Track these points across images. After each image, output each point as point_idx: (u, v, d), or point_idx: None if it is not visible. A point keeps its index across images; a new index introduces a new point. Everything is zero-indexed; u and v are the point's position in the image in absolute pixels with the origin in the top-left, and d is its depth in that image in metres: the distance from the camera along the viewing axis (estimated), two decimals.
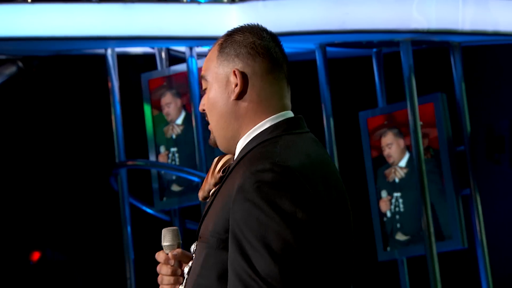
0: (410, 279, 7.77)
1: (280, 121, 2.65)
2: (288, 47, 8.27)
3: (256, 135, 2.63)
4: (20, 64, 9.11)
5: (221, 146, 2.75)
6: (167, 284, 2.84)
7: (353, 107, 8.57)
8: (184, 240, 7.81)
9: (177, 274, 2.85)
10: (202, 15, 8.07)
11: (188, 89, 8.46)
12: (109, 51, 8.45)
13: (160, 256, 2.83)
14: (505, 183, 8.62)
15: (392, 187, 7.91)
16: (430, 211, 7.48)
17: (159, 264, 2.84)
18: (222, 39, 2.70)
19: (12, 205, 9.70)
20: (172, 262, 2.84)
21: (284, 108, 2.67)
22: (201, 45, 8.27)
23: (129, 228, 8.27)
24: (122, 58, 8.79)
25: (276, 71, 2.67)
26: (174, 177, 8.56)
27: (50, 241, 9.50)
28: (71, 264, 9.46)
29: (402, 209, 7.75)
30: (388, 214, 7.88)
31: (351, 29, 7.93)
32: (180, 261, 2.88)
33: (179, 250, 2.87)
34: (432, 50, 8.32)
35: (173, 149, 8.58)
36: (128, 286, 8.31)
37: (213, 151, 8.36)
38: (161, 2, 8.30)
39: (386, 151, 8.29)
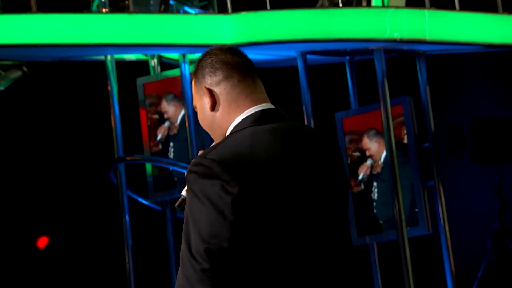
0: (380, 263, 7.91)
1: (244, 118, 2.85)
2: (273, 54, 8.21)
3: (228, 134, 2.87)
4: (25, 69, 9.16)
5: None
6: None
7: (330, 108, 8.54)
8: (177, 228, 7.80)
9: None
10: (195, 25, 7.95)
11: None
12: (108, 57, 8.49)
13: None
14: (465, 176, 8.71)
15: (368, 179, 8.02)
16: (402, 200, 7.60)
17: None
18: (194, 68, 2.99)
19: (23, 196, 9.65)
20: None
21: (253, 103, 2.86)
22: (193, 52, 8.22)
23: (127, 217, 8.30)
24: (118, 64, 8.75)
25: (235, 75, 2.86)
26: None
27: (56, 228, 9.45)
28: (74, 249, 9.37)
29: (377, 198, 7.90)
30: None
31: (331, 38, 7.96)
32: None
33: None
34: (400, 57, 8.41)
35: (171, 144, 8.62)
36: (127, 269, 8.31)
37: (204, 148, 8.57)
38: (157, 13, 8.25)
39: (368, 153, 8.36)
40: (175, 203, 3.05)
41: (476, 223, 9.08)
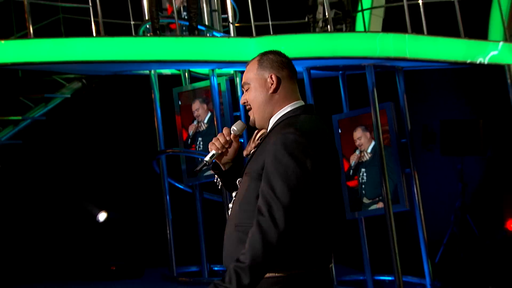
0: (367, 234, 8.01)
1: (297, 107, 3.04)
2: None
3: (282, 115, 3.03)
4: (84, 81, 9.32)
5: (259, 123, 3.10)
6: (215, 143, 3.16)
7: (327, 112, 8.58)
8: (204, 206, 7.73)
9: (225, 143, 3.17)
10: (224, 46, 8.03)
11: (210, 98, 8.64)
12: (152, 72, 8.73)
13: (225, 129, 3.18)
14: (435, 165, 8.65)
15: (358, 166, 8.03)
16: (388, 183, 7.73)
17: (220, 133, 3.19)
18: (259, 57, 3.12)
19: (89, 181, 9.69)
20: (229, 136, 3.16)
21: (298, 99, 3.07)
22: (220, 67, 8.39)
23: (167, 197, 8.67)
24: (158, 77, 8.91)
25: (292, 77, 3.07)
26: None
27: (113, 205, 9.40)
28: (126, 222, 9.37)
29: (365, 181, 7.96)
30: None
31: (333, 56, 7.91)
32: (232, 141, 3.19)
33: (238, 137, 3.20)
34: (383, 72, 8.41)
35: (200, 139, 8.72)
36: (168, 237, 8.64)
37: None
38: (192, 36, 8.31)
39: (357, 142, 8.39)
40: (196, 170, 3.27)
41: (443, 202, 9.16)
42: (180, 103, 8.82)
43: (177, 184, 8.83)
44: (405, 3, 7.85)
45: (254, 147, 3.12)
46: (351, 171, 8.49)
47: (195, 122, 8.80)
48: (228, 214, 3.18)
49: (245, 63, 7.60)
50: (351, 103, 8.69)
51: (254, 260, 2.74)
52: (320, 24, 9.09)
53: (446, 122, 8.74)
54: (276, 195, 2.79)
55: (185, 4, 8.81)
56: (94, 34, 7.91)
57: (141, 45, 7.93)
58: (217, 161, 3.26)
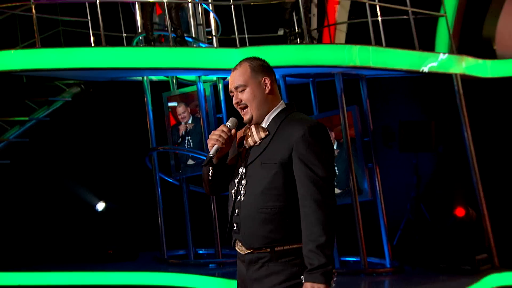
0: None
1: (287, 105, 3.16)
2: None
3: (278, 112, 3.12)
4: (82, 86, 9.37)
5: (256, 120, 3.14)
6: (219, 139, 3.11)
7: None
8: (190, 197, 8.05)
9: (227, 138, 3.12)
10: (211, 56, 7.97)
11: (196, 101, 8.64)
12: (145, 78, 8.73)
13: (223, 126, 3.14)
14: (394, 160, 8.99)
15: None
16: (354, 176, 7.85)
17: (220, 130, 3.13)
18: (248, 63, 3.13)
19: (90, 174, 9.72)
20: (229, 132, 3.11)
21: (281, 99, 3.18)
22: (206, 75, 8.44)
23: (159, 189, 8.72)
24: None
25: (275, 80, 3.16)
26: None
27: (111, 197, 9.42)
28: (123, 211, 9.28)
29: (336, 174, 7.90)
30: None
31: (307, 65, 7.89)
32: (230, 134, 3.14)
33: (234, 130, 3.17)
34: (348, 79, 8.38)
35: (188, 138, 8.76)
36: (159, 225, 8.68)
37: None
38: (181, 47, 8.17)
39: None
40: (203, 165, 3.19)
41: (401, 192, 9.18)
42: (168, 105, 8.83)
43: (166, 178, 8.87)
44: (369, 20, 7.91)
45: (260, 138, 3.12)
46: None
47: (183, 123, 8.81)
48: (233, 208, 3.18)
49: (228, 70, 7.57)
50: (319, 105, 8.84)
51: (327, 233, 2.86)
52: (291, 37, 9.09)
53: (404, 123, 8.83)
54: (320, 178, 2.93)
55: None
56: (93, 45, 7.90)
57: (135, 55, 7.87)
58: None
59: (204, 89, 8.57)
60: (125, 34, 9.33)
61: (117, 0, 9.01)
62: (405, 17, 8.43)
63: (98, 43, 8.01)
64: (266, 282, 3.05)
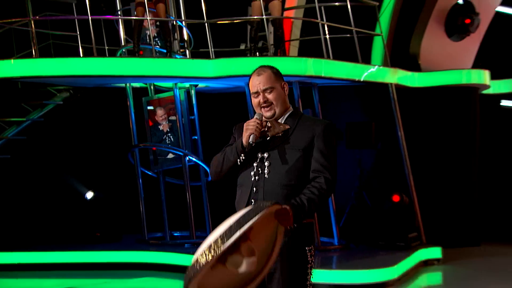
0: None
1: (294, 108, 3.21)
2: (230, 84, 8.49)
3: (291, 112, 3.17)
4: (71, 91, 9.30)
5: (278, 116, 3.13)
6: (252, 126, 3.05)
7: None
8: (166, 188, 8.14)
9: (258, 125, 3.06)
10: (186, 66, 7.93)
11: (172, 105, 8.66)
12: (128, 85, 8.76)
13: (256, 119, 3.08)
14: (342, 155, 8.08)
15: None
16: None
17: (254, 121, 3.06)
18: (270, 70, 3.13)
19: (80, 166, 9.60)
20: (263, 122, 3.08)
21: None
22: (182, 82, 8.44)
23: (140, 181, 8.74)
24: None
25: None
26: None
27: (98, 187, 9.34)
28: (109, 200, 9.19)
29: None
30: None
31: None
32: (261, 125, 3.07)
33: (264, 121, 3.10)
34: (302, 87, 8.22)
35: (165, 137, 8.77)
36: (141, 211, 8.70)
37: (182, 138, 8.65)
38: (162, 57, 8.24)
39: None
40: (251, 141, 3.03)
41: (347, 182, 9.23)
42: (147, 109, 8.84)
43: (146, 171, 8.87)
44: (321, 37, 7.97)
45: (283, 130, 3.11)
46: None
47: (164, 122, 8.80)
48: (253, 186, 3.12)
49: (202, 78, 7.87)
50: None
51: (320, 201, 2.94)
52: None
53: (350, 124, 9.01)
54: (330, 164, 3.05)
55: (155, 34, 8.80)
56: (82, 55, 7.83)
57: (119, 64, 7.86)
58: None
59: (179, 94, 8.62)
60: (107, 47, 9.12)
61: (105, 18, 8.99)
62: (348, 35, 8.58)
63: (86, 54, 7.94)
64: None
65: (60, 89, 9.40)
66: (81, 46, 7.92)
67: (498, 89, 10.61)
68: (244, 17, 8.63)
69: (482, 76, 9.60)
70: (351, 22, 8.32)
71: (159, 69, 7.89)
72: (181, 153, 8.49)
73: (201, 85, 8.90)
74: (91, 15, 7.73)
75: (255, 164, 3.12)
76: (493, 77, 9.94)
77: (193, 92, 8.93)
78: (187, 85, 8.81)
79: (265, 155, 3.11)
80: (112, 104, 9.52)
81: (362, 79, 8.26)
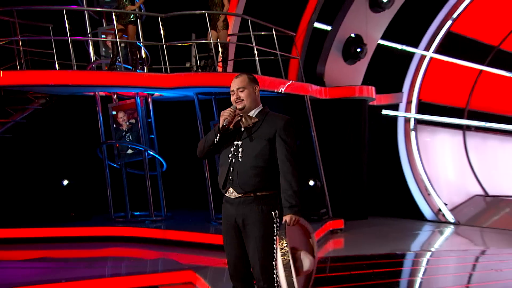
0: None
1: (264, 107, 3.21)
2: (182, 94, 8.47)
3: (261, 109, 3.18)
4: (47, 98, 8.97)
5: (247, 110, 3.14)
6: (226, 113, 3.07)
7: (207, 119, 8.62)
8: (127, 177, 8.28)
9: (231, 113, 3.07)
10: (145, 78, 7.89)
11: (132, 110, 8.62)
12: (97, 93, 8.71)
13: (229, 109, 3.10)
14: None
15: None
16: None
17: (228, 110, 3.09)
18: (247, 75, 3.14)
19: (56, 159, 9.36)
20: (233, 109, 3.08)
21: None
22: (142, 91, 8.42)
23: (107, 171, 8.72)
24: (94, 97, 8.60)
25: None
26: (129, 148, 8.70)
27: (72, 175, 9.11)
28: (80, 187, 8.95)
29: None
30: None
31: (211, 86, 7.72)
32: (235, 114, 3.07)
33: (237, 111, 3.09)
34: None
35: (128, 135, 8.75)
36: (108, 195, 8.64)
37: (139, 136, 8.57)
38: (126, 71, 8.10)
39: None
40: (225, 124, 3.01)
41: None
42: (112, 113, 8.85)
43: (111, 163, 8.84)
44: (256, 58, 7.90)
45: (253, 122, 3.09)
46: None
47: (124, 123, 8.74)
48: (229, 167, 3.08)
49: (161, 88, 7.88)
50: (219, 113, 8.56)
51: (298, 185, 2.98)
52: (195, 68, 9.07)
53: None
54: (293, 150, 3.07)
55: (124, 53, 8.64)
56: (57, 69, 7.74)
57: (90, 77, 7.80)
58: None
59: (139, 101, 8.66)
60: (76, 63, 8.34)
61: (82, 39, 8.76)
62: (272, 57, 8.60)
63: (62, 68, 7.92)
64: (250, 216, 3.07)
65: (38, 96, 9.04)
66: (57, 62, 7.84)
67: (380, 101, 10.94)
68: (191, 41, 8.88)
69: (370, 91, 10.06)
70: (276, 47, 8.44)
71: (125, 81, 7.89)
72: (142, 149, 8.59)
73: (156, 94, 8.90)
74: (65, 35, 7.65)
75: (232, 149, 3.14)
76: (378, 92, 10.39)
77: (150, 100, 9.02)
78: (145, 93, 8.81)
79: (240, 143, 3.12)
80: (84, 109, 9.37)
81: (282, 91, 8.35)
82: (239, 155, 3.08)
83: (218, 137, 3.15)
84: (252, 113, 3.18)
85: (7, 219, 8.44)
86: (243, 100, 3.16)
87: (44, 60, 8.49)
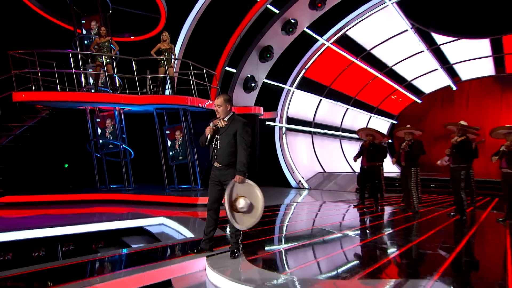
0: None
1: (233, 113, 3.25)
2: (145, 109, 8.41)
3: (230, 115, 3.25)
4: (50, 110, 8.55)
5: (222, 117, 3.13)
6: (210, 127, 3.04)
7: (162, 125, 8.47)
8: (107, 164, 8.70)
9: (212, 127, 3.09)
10: (121, 97, 7.54)
11: (111, 119, 8.49)
12: (87, 107, 8.59)
13: (210, 126, 3.11)
14: (206, 150, 7.12)
15: None
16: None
17: (210, 125, 3.07)
18: (224, 96, 3.05)
19: (56, 151, 8.99)
20: (213, 125, 3.07)
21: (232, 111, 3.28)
22: (121, 107, 8.21)
23: (94, 159, 8.57)
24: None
25: (232, 104, 3.15)
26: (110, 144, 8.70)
27: (70, 161, 9.10)
28: (76, 169, 8.96)
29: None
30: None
31: (165, 103, 7.72)
32: (213, 127, 3.09)
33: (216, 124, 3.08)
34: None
35: (109, 135, 8.62)
36: (95, 176, 8.49)
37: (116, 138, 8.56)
38: (107, 93, 7.83)
39: (178, 137, 8.06)
40: (207, 134, 2.88)
41: (205, 158, 8.75)
42: (98, 120, 8.70)
43: (97, 154, 8.71)
44: (193, 87, 7.80)
45: (225, 124, 3.08)
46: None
47: (107, 129, 8.58)
48: (214, 150, 3.13)
49: (132, 104, 7.98)
50: (169, 122, 8.61)
51: (247, 161, 3.05)
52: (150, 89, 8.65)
53: (201, 133, 7.65)
54: (246, 142, 3.19)
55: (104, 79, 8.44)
56: (59, 89, 7.63)
57: (82, 96, 7.68)
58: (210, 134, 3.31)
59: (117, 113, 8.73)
60: (68, 87, 8.29)
61: (75, 71, 8.28)
62: (201, 86, 8.59)
63: (62, 90, 7.77)
64: (226, 175, 3.29)
65: (43, 108, 8.65)
66: (58, 86, 7.80)
67: (265, 116, 11.38)
68: (152, 75, 8.75)
69: (259, 110, 10.63)
70: (205, 79, 8.57)
71: (106, 99, 7.88)
72: (118, 143, 8.72)
73: (127, 108, 8.83)
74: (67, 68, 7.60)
75: (214, 141, 3.41)
76: (264, 110, 11.00)
77: (122, 112, 9.08)
78: (123, 108, 8.74)
79: (218, 137, 3.35)
80: (77, 118, 9.25)
81: (205, 107, 8.27)
82: (218, 145, 3.30)
83: (208, 138, 3.49)
84: (226, 119, 3.40)
85: (27, 189, 8.29)
86: (220, 113, 3.45)
87: (49, 85, 8.29)
